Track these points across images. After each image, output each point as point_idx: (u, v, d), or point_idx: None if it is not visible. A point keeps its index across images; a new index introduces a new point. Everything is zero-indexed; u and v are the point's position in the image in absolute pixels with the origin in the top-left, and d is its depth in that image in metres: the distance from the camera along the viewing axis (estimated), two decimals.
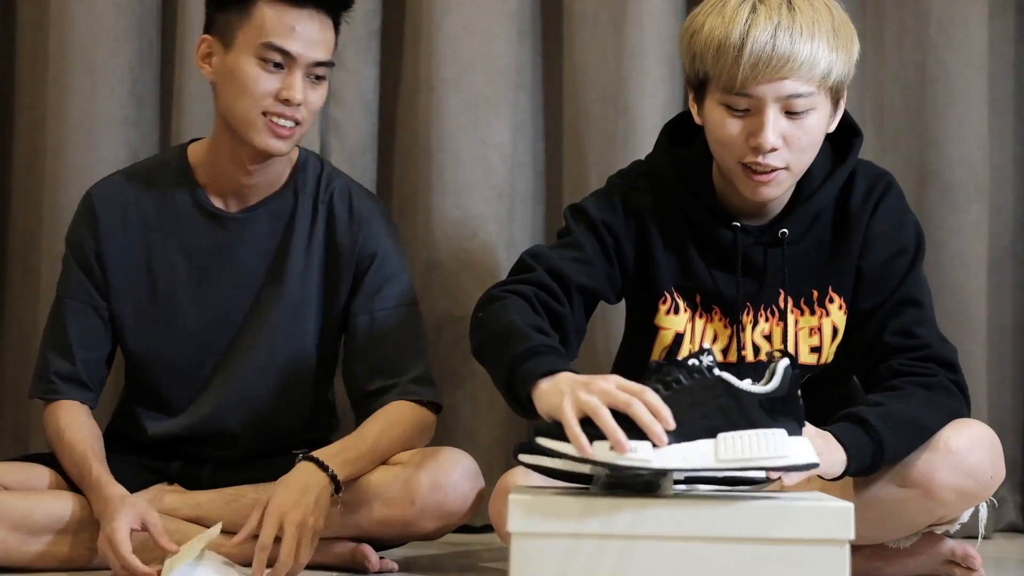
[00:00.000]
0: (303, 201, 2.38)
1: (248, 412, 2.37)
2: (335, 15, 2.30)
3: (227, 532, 2.16)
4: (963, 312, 2.81)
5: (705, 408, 1.68)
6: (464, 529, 2.56)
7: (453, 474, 2.23)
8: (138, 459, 2.39)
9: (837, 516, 1.66)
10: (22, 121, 2.96)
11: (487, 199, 2.83)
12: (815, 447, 1.82)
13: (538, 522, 1.68)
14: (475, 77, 2.83)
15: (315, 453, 2.19)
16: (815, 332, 2.17)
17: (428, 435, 2.35)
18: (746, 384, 1.71)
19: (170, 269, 2.37)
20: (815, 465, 1.69)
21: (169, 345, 2.37)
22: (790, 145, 2.03)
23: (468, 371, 2.79)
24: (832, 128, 2.10)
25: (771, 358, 1.76)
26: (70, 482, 2.28)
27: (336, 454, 2.20)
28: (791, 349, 2.16)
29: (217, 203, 2.37)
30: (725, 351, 2.16)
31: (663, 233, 2.17)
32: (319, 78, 2.28)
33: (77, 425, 2.30)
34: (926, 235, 2.23)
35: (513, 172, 2.87)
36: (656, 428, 1.65)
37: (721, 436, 1.66)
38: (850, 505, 1.67)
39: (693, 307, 2.17)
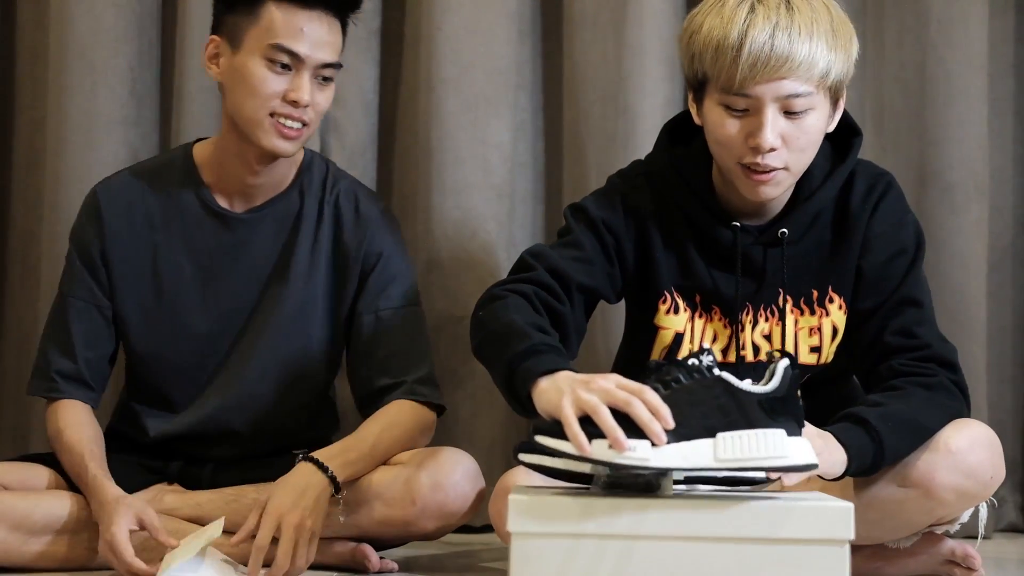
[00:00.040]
0: (309, 202, 2.39)
1: (250, 411, 2.37)
2: (343, 17, 2.30)
3: (228, 532, 2.15)
4: (963, 312, 2.81)
5: (704, 407, 1.68)
6: (464, 529, 2.56)
7: (454, 474, 2.23)
8: (138, 459, 2.39)
9: (837, 516, 1.66)
10: (22, 121, 2.96)
11: (487, 199, 2.83)
12: (815, 447, 1.82)
13: (538, 522, 1.68)
14: (475, 77, 2.83)
15: (315, 454, 2.19)
16: (815, 332, 2.17)
17: (429, 435, 2.35)
18: (746, 384, 1.71)
19: (175, 269, 2.37)
20: (814, 466, 1.69)
21: (173, 345, 2.37)
22: (789, 145, 2.03)
23: (468, 371, 2.79)
24: (831, 128, 2.10)
25: (771, 358, 1.76)
26: (70, 482, 2.28)
27: (336, 455, 2.20)
28: (791, 349, 2.16)
29: (223, 203, 2.37)
30: (725, 351, 2.16)
31: (663, 233, 2.17)
32: (326, 79, 2.28)
33: (77, 425, 2.30)
34: (926, 235, 2.23)
35: (513, 172, 2.87)
36: (655, 427, 1.65)
37: (720, 436, 1.66)
38: (850, 505, 1.67)
39: (693, 307, 2.17)
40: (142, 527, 2.12)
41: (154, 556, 2.11)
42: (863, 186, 2.16)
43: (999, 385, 2.92)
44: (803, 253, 2.16)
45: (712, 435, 1.66)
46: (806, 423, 1.78)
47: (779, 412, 1.70)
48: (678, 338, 2.17)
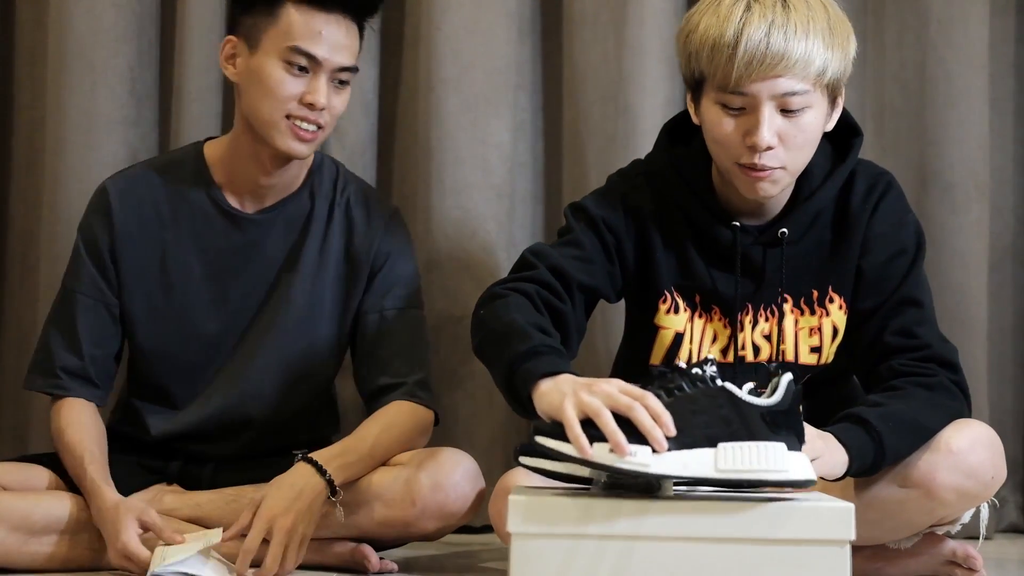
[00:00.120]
0: (319, 203, 2.39)
1: (253, 410, 2.37)
2: (361, 20, 2.30)
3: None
4: (964, 312, 2.81)
5: (707, 416, 1.68)
6: (464, 529, 2.56)
7: (454, 475, 2.23)
8: (138, 459, 2.38)
9: (838, 516, 1.66)
10: (21, 121, 2.96)
11: (487, 199, 2.83)
12: (815, 448, 1.82)
13: (538, 523, 1.68)
14: (475, 77, 2.83)
15: (314, 455, 2.19)
16: (815, 332, 2.17)
17: (427, 436, 2.35)
18: (749, 395, 1.70)
19: (184, 267, 2.37)
20: (812, 482, 1.69)
21: (179, 343, 2.37)
22: (786, 143, 2.02)
23: (468, 371, 2.79)
24: (830, 127, 2.10)
25: (773, 370, 1.75)
26: (69, 483, 2.27)
27: (335, 456, 2.20)
28: (791, 349, 2.16)
29: (233, 203, 2.37)
30: (724, 351, 2.16)
31: (663, 232, 2.16)
32: (343, 83, 2.28)
33: (79, 425, 2.29)
34: (926, 235, 2.23)
35: (513, 172, 2.87)
36: (657, 433, 1.65)
37: (721, 446, 1.66)
38: (851, 506, 1.67)
39: (693, 307, 2.17)
40: (146, 529, 2.12)
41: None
42: (863, 186, 2.16)
43: (1000, 385, 2.92)
44: (803, 253, 2.15)
45: (713, 445, 1.66)
46: (806, 425, 1.78)
47: (781, 426, 1.70)
48: (678, 338, 2.16)
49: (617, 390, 1.68)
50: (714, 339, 2.17)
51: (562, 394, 1.71)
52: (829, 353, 2.18)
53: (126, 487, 2.24)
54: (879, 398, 2.03)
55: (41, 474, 2.30)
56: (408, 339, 2.38)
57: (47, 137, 2.86)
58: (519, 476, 2.09)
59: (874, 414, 1.97)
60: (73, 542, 2.21)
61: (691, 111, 2.12)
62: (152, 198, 2.37)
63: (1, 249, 2.97)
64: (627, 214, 2.17)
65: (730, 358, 2.16)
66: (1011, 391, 2.95)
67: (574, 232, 2.15)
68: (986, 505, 2.16)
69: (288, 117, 2.25)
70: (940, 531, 2.17)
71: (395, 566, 2.29)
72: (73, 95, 2.81)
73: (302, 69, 2.24)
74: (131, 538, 2.10)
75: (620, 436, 1.64)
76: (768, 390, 1.73)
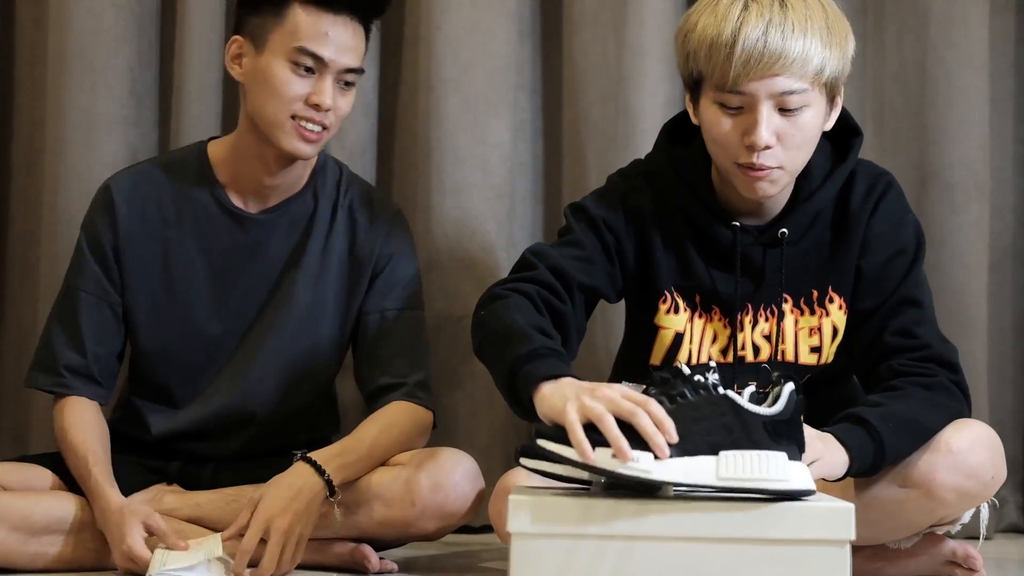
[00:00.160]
0: (323, 204, 2.39)
1: (254, 409, 2.37)
2: (367, 22, 2.31)
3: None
4: (964, 312, 2.81)
5: (709, 424, 1.68)
6: (464, 529, 2.56)
7: (454, 475, 2.23)
8: (138, 459, 2.38)
9: (838, 516, 1.66)
10: (21, 121, 2.96)
11: (487, 199, 2.83)
12: (816, 450, 1.83)
13: (538, 522, 1.67)
14: (475, 77, 2.83)
15: (313, 455, 2.19)
16: (815, 332, 2.17)
17: (426, 436, 2.35)
18: (751, 404, 1.70)
19: (187, 267, 2.37)
20: (811, 492, 1.69)
21: (181, 342, 2.37)
22: (784, 143, 2.02)
23: (467, 371, 2.79)
24: (829, 126, 2.10)
25: (775, 379, 1.75)
26: (70, 484, 2.27)
27: (334, 456, 2.20)
28: (791, 349, 2.16)
29: (237, 203, 2.37)
30: (724, 351, 2.16)
31: (663, 232, 2.16)
32: (348, 84, 2.28)
33: (82, 425, 2.29)
34: (926, 235, 2.23)
35: (513, 172, 2.87)
36: (659, 439, 1.65)
37: (723, 454, 1.66)
38: (851, 506, 1.67)
39: (693, 307, 2.17)
40: (150, 533, 2.13)
41: None
42: (863, 186, 2.16)
43: (999, 385, 2.92)
44: (803, 253, 2.15)
45: (715, 452, 1.66)
46: (806, 426, 1.78)
47: (783, 435, 1.70)
48: (678, 338, 2.16)
49: (620, 395, 1.68)
50: (714, 339, 2.17)
51: (564, 398, 1.71)
52: (829, 353, 2.18)
53: (126, 487, 2.24)
54: (879, 398, 2.03)
55: (42, 474, 2.30)
56: (409, 339, 2.38)
57: (47, 137, 2.86)
58: (519, 476, 2.08)
59: (874, 414, 1.97)
60: (74, 542, 2.21)
61: (690, 111, 2.12)
62: (156, 197, 2.37)
63: (1, 249, 2.97)
64: (627, 214, 2.17)
65: (730, 358, 2.16)
66: (1011, 391, 2.95)
67: (574, 232, 2.15)
68: (986, 505, 2.16)
69: (293, 117, 2.25)
70: (940, 531, 2.17)
71: (395, 566, 2.29)
72: (73, 95, 2.81)
73: (308, 70, 2.24)
74: (136, 541, 2.10)
75: (623, 441, 1.63)
76: (770, 399, 1.73)
